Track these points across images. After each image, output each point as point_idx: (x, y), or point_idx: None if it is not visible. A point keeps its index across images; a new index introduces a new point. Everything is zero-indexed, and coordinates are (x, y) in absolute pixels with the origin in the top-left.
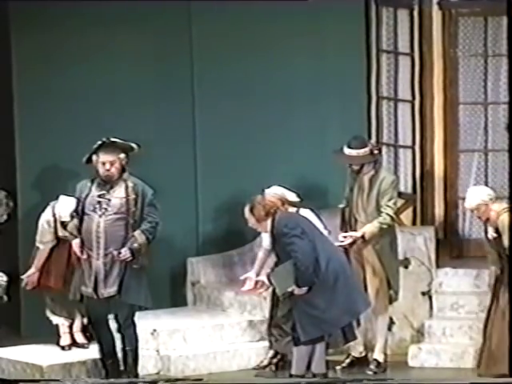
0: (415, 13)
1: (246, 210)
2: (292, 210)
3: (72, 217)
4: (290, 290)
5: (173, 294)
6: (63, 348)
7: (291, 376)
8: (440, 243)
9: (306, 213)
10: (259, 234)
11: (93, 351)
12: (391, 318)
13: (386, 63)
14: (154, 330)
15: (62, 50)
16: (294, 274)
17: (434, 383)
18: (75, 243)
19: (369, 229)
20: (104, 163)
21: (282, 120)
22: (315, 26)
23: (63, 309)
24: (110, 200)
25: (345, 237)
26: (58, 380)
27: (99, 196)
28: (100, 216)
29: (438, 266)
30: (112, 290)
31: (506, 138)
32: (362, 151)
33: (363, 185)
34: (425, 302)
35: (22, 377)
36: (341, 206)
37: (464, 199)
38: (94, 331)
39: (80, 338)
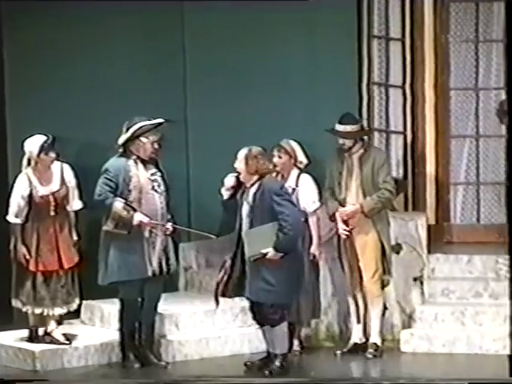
0: None
1: (242, 153)
2: (296, 171)
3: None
4: (263, 251)
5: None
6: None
7: (276, 356)
8: (431, 229)
9: (306, 178)
10: None
11: (84, 337)
12: (384, 304)
13: (377, 49)
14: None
15: (54, 44)
16: (277, 236)
17: (426, 383)
18: (142, 218)
19: (368, 204)
20: (153, 143)
21: (275, 106)
22: (307, 12)
23: (47, 297)
24: (161, 178)
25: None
26: (55, 380)
27: (152, 175)
28: (160, 194)
29: (429, 252)
30: (173, 264)
31: (497, 124)
32: (355, 127)
33: (353, 165)
34: (416, 288)
35: (14, 362)
36: (328, 197)
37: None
38: (129, 313)
39: (59, 336)
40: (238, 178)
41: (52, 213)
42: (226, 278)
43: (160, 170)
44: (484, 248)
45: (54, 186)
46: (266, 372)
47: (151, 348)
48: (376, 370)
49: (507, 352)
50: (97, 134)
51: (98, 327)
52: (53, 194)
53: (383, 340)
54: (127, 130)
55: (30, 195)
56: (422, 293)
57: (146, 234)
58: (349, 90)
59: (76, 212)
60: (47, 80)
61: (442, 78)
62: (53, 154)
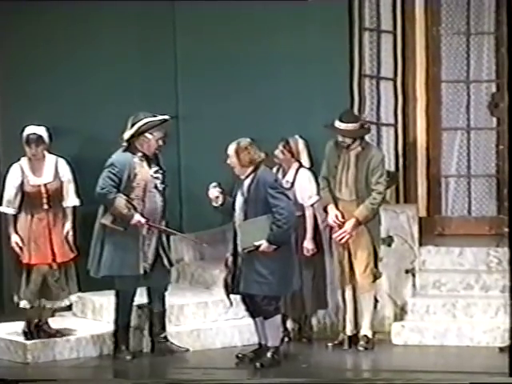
0: None
1: (232, 148)
2: (296, 164)
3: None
4: (256, 244)
5: None
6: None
7: (268, 348)
8: (423, 221)
9: (305, 173)
10: None
11: (76, 329)
12: (375, 297)
13: (368, 41)
14: (139, 307)
15: (47, 39)
16: (271, 229)
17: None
18: (137, 220)
19: (362, 213)
20: (158, 139)
21: (266, 99)
22: (298, 5)
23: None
24: (162, 175)
25: (339, 226)
26: (54, 380)
27: (155, 172)
28: (161, 192)
29: (420, 244)
30: (172, 259)
31: (488, 116)
32: (356, 125)
33: (349, 161)
34: (408, 280)
35: (5, 354)
36: (322, 187)
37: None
38: (125, 306)
39: (50, 329)
40: (219, 185)
41: (45, 206)
42: (231, 275)
43: (161, 168)
44: (475, 240)
45: (47, 177)
46: (257, 364)
47: (166, 336)
48: (367, 362)
49: (498, 344)
50: (90, 126)
51: (90, 319)
52: (45, 185)
53: (374, 332)
54: (132, 125)
55: (22, 185)
56: (414, 285)
57: (144, 231)
58: (340, 83)
59: (73, 209)
60: (40, 73)
61: (434, 70)
62: (40, 147)
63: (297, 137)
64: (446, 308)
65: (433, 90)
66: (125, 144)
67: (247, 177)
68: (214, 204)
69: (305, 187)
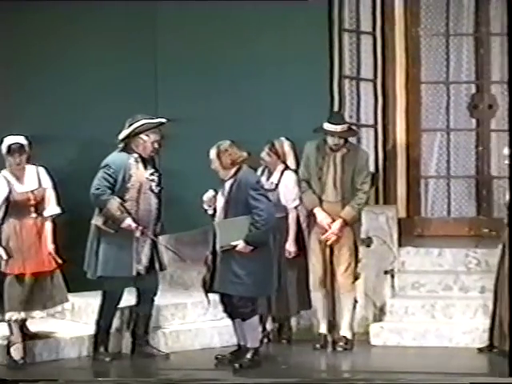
0: None
1: (213, 152)
2: (281, 166)
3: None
4: (233, 243)
5: None
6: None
7: (247, 349)
8: (402, 222)
9: (290, 175)
10: None
11: (55, 330)
12: (354, 298)
13: (348, 42)
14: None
15: (28, 41)
16: (249, 230)
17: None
18: (128, 224)
19: (349, 214)
20: (154, 142)
21: (247, 100)
22: (279, 7)
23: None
24: (158, 177)
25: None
26: (53, 380)
27: (151, 174)
28: (156, 194)
29: (400, 245)
30: (165, 263)
31: (468, 118)
32: (344, 126)
33: (335, 163)
34: (387, 281)
35: None
36: (304, 190)
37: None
38: (110, 307)
39: (27, 330)
40: (216, 191)
41: (33, 214)
42: (209, 273)
43: (157, 170)
44: (454, 241)
45: (32, 185)
46: (236, 365)
47: (148, 340)
48: (346, 363)
49: (477, 345)
50: (70, 128)
51: (69, 321)
52: (32, 191)
53: (353, 333)
54: (129, 126)
55: (9, 195)
56: (393, 286)
57: (138, 233)
58: (320, 84)
59: (53, 218)
60: (21, 77)
61: (413, 71)
62: (24, 156)
63: (282, 138)
64: (425, 309)
65: (412, 91)
66: (121, 144)
67: (230, 178)
68: (208, 210)
69: (289, 189)
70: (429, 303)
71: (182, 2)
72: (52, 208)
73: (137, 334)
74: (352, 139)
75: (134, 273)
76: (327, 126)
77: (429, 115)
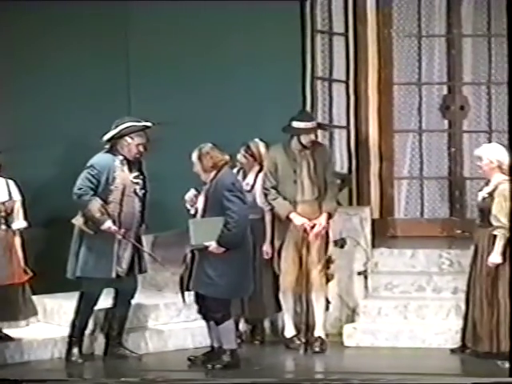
0: None
1: (194, 155)
2: (256, 167)
3: None
4: (206, 244)
5: None
6: None
7: (224, 351)
8: (375, 223)
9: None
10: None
11: (27, 332)
12: (327, 298)
13: (320, 43)
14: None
15: None
16: (222, 231)
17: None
18: (108, 226)
19: (331, 206)
20: (138, 145)
21: (219, 102)
22: (251, 7)
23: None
24: (143, 181)
25: (312, 227)
26: (59, 380)
27: (135, 177)
28: (140, 198)
29: (373, 246)
30: (145, 265)
31: (440, 119)
32: (314, 123)
33: (308, 161)
34: (360, 282)
35: None
36: (274, 197)
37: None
38: (87, 308)
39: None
40: (197, 190)
41: (3, 226)
42: (188, 272)
43: (143, 173)
44: (427, 242)
45: (2, 196)
46: (209, 366)
47: (121, 341)
48: (320, 365)
49: (449, 345)
50: (41, 129)
51: (41, 322)
52: (3, 203)
53: (327, 334)
54: (116, 127)
55: None
56: (366, 287)
57: (118, 236)
58: (293, 85)
59: (21, 232)
60: None
61: (385, 72)
62: None
63: (257, 140)
64: (398, 310)
65: (385, 92)
66: (107, 146)
67: (211, 180)
68: (190, 209)
69: None
70: (402, 304)
71: (154, 3)
72: (20, 222)
73: (111, 335)
74: (324, 140)
75: (114, 275)
76: (299, 125)
77: (401, 116)
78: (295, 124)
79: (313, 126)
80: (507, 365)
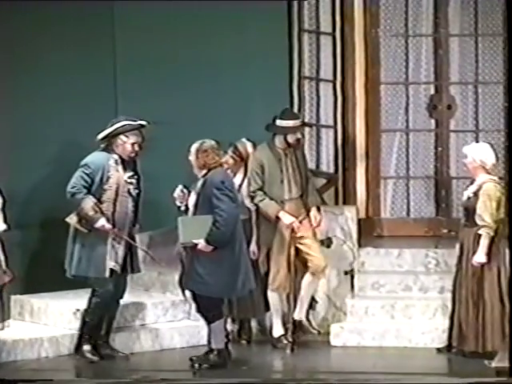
0: None
1: (194, 147)
2: (243, 168)
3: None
4: (195, 241)
5: None
6: None
7: (211, 350)
8: (362, 223)
9: None
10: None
11: (14, 332)
12: (313, 298)
13: (307, 43)
14: (77, 310)
15: None
16: (210, 229)
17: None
18: (102, 224)
19: (318, 201)
20: (133, 144)
21: (206, 101)
22: (238, 7)
23: None
24: (137, 180)
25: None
26: (54, 380)
27: (130, 177)
28: (133, 197)
29: (360, 246)
30: (138, 265)
31: (427, 118)
32: (299, 121)
33: (292, 159)
34: (347, 282)
35: None
36: (262, 198)
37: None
38: (102, 303)
39: None
40: (185, 187)
41: None
42: (185, 270)
43: (137, 173)
44: (414, 242)
45: None
46: (196, 365)
47: (108, 341)
48: (306, 364)
49: (436, 345)
50: (28, 130)
51: (28, 322)
52: None
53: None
54: (111, 126)
55: None
56: (352, 286)
57: (112, 234)
58: (280, 85)
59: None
60: None
61: (373, 72)
62: None
63: (244, 140)
64: (384, 309)
65: (372, 91)
66: (102, 145)
67: (202, 176)
68: (180, 206)
69: None
70: (388, 303)
71: (140, 3)
72: (0, 224)
73: (98, 334)
74: (311, 140)
75: (107, 274)
76: (287, 123)
77: (388, 116)
78: (282, 123)
79: (299, 124)
80: (494, 364)
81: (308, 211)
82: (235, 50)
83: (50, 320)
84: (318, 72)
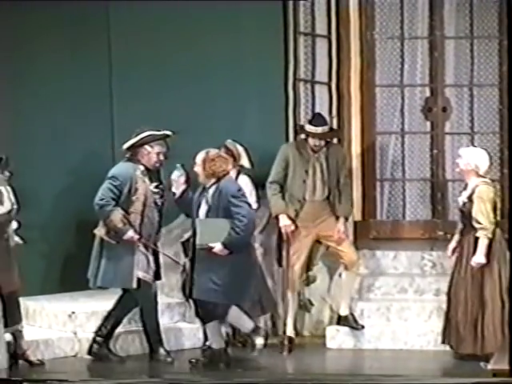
0: None
1: (200, 157)
2: (234, 171)
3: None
4: (211, 245)
5: None
6: None
7: (210, 349)
8: (358, 225)
9: (244, 179)
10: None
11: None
12: (310, 300)
13: (303, 45)
14: (73, 312)
15: None
16: (228, 234)
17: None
18: (130, 236)
19: (348, 210)
20: (158, 153)
21: (201, 104)
22: (233, 8)
23: None
24: (162, 190)
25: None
26: (60, 380)
27: (155, 187)
28: (158, 207)
29: (356, 248)
30: (161, 273)
31: (422, 120)
32: (326, 128)
33: (321, 163)
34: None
35: None
36: (274, 193)
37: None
38: (149, 307)
39: None
40: (183, 167)
41: (5, 235)
42: (189, 279)
43: (162, 183)
44: (409, 244)
45: (7, 205)
46: (193, 360)
47: (108, 343)
48: (302, 366)
49: (431, 347)
50: (22, 134)
51: (24, 324)
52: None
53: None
54: (136, 136)
55: None
56: None
57: (140, 245)
58: (275, 87)
59: None
60: None
61: (368, 74)
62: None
63: (230, 141)
64: (380, 311)
65: (367, 94)
66: (127, 155)
67: (211, 186)
68: (176, 192)
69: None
70: (384, 306)
71: (135, 3)
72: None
73: (99, 334)
74: None
75: (135, 285)
76: (309, 128)
77: (383, 118)
78: (307, 127)
79: (321, 132)
80: (490, 366)
81: (336, 217)
82: (230, 51)
83: (45, 322)
84: (313, 74)
